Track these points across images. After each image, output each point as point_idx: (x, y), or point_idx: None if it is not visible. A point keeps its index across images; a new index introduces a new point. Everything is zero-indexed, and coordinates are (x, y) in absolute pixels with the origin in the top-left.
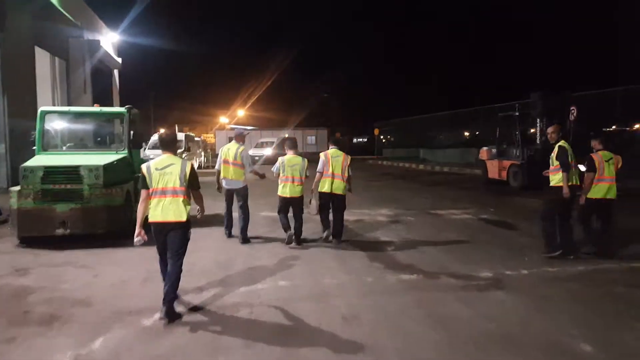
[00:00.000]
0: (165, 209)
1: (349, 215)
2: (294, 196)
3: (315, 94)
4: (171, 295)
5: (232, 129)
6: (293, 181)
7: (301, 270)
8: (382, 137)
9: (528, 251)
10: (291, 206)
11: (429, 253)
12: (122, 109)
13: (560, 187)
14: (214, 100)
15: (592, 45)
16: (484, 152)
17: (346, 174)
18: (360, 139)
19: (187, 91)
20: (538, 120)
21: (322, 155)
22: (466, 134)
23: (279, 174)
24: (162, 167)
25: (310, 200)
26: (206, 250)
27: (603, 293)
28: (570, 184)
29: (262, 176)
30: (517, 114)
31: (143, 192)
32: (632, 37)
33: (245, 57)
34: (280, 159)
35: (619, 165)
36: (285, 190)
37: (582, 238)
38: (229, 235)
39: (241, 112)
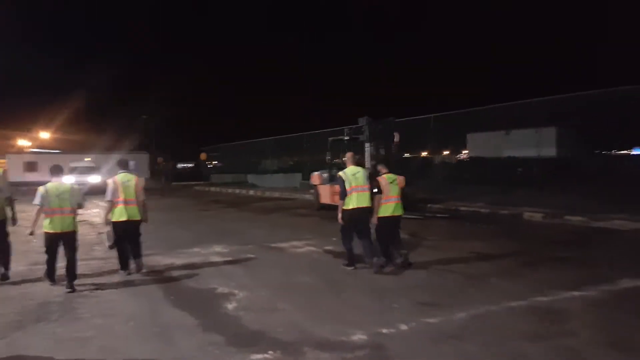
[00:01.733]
0: None
1: (175, 258)
2: (65, 230)
3: (135, 116)
4: None
5: (35, 152)
6: (62, 212)
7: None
8: (208, 162)
9: (391, 293)
10: (63, 243)
11: (282, 310)
12: None
13: (343, 210)
14: (14, 122)
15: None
16: (315, 177)
17: (140, 199)
18: (186, 165)
19: None
20: (367, 145)
21: (109, 181)
22: (291, 159)
23: (41, 207)
24: None
25: (106, 232)
26: None
27: (507, 353)
28: (357, 206)
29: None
30: (347, 138)
31: None
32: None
33: (53, 74)
34: (42, 187)
35: (402, 185)
36: (53, 224)
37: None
38: None
39: (45, 135)
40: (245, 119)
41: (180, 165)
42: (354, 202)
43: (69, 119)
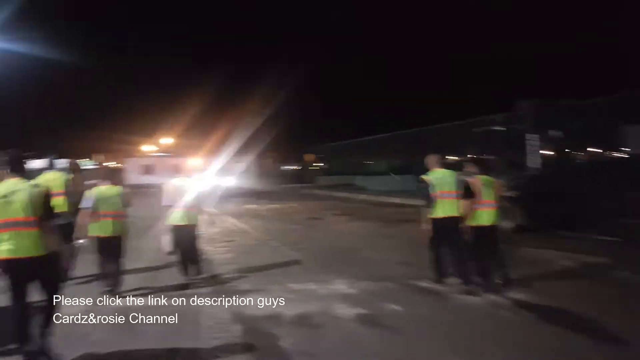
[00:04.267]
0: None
1: (281, 302)
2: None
3: (242, 118)
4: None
5: (151, 156)
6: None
7: None
8: (314, 163)
9: None
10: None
11: None
12: None
13: (432, 219)
14: (140, 128)
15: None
16: None
17: (122, 211)
18: (290, 167)
19: (106, 117)
20: (528, 136)
21: (91, 191)
22: (407, 158)
23: None
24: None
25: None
26: None
27: None
28: (447, 215)
29: None
30: (501, 129)
31: None
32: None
33: (170, 80)
34: None
35: (500, 191)
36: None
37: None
38: None
39: (167, 140)
40: (354, 117)
41: (284, 167)
42: (441, 210)
43: (189, 124)
